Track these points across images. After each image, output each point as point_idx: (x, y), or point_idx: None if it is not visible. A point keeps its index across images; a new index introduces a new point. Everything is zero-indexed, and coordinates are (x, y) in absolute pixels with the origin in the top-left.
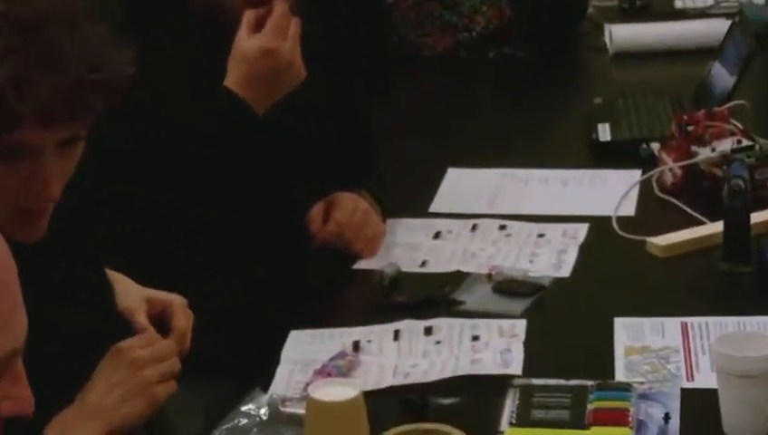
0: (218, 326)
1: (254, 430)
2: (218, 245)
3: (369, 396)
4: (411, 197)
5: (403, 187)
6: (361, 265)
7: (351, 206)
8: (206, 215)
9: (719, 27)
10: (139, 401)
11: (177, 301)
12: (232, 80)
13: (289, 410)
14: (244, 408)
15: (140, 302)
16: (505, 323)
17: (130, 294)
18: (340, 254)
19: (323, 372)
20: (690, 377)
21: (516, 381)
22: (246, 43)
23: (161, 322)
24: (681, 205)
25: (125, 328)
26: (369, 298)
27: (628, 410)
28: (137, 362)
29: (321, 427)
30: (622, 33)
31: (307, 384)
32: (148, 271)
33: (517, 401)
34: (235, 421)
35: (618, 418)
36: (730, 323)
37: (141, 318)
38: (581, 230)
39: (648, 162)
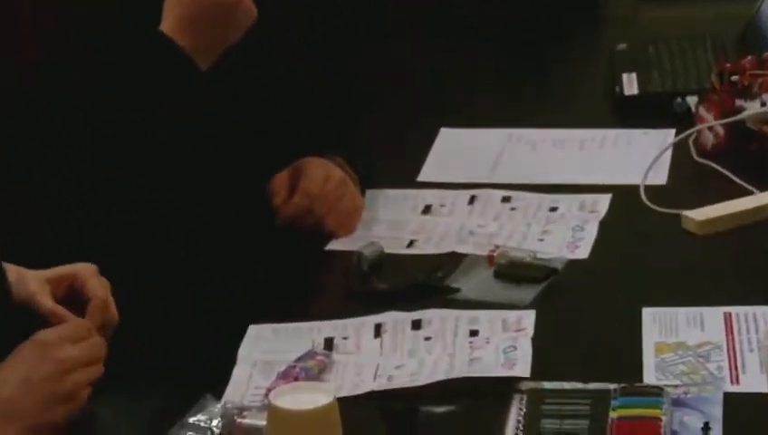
0: (161, 322)
1: None
2: (156, 222)
3: (345, 404)
4: (396, 163)
5: (385, 151)
6: (335, 245)
7: (323, 174)
8: (146, 187)
9: None
10: (62, 408)
11: (83, 269)
12: (167, 24)
13: (247, 421)
14: (192, 419)
15: (41, 284)
16: (510, 314)
17: (27, 280)
18: (310, 232)
19: (289, 376)
20: (735, 379)
21: (523, 386)
22: None
23: (75, 298)
24: (723, 171)
25: (27, 319)
26: (344, 286)
27: (660, 420)
28: (66, 363)
29: None
30: None
31: (269, 390)
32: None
33: (524, 410)
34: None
35: (647, 429)
36: None
37: (46, 300)
38: (603, 202)
39: (683, 120)
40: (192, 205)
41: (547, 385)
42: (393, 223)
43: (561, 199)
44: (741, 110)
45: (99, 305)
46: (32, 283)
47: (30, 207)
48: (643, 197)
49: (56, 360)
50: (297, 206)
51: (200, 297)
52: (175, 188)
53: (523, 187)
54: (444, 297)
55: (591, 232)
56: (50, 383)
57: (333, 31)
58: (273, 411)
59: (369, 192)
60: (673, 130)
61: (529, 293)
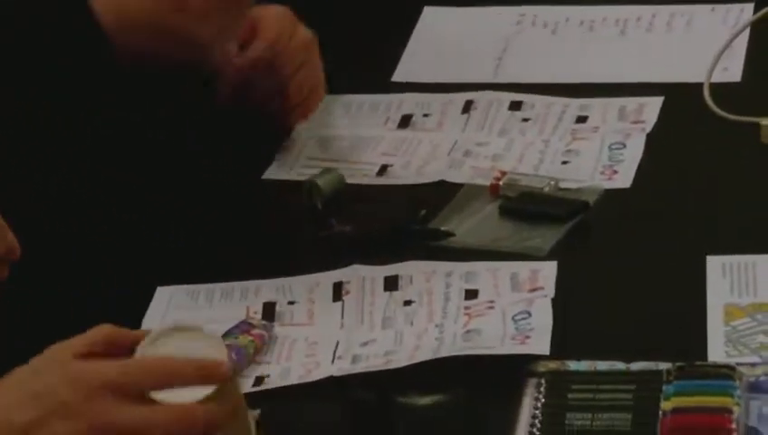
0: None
1: None
2: None
3: (293, 396)
4: (361, 58)
5: (346, 39)
6: (275, 172)
7: (288, 25)
8: None
9: None
10: None
11: None
12: None
13: None
14: None
15: None
16: (522, 267)
17: None
18: (250, 113)
19: None
20: None
21: (542, 367)
22: None
23: None
24: None
25: None
26: (290, 229)
27: (731, 412)
28: None
29: None
30: None
31: None
32: None
33: (543, 399)
34: None
35: (712, 424)
36: None
37: None
38: (651, 108)
39: None
40: None
41: (574, 366)
42: (358, 141)
43: (593, 105)
44: None
45: None
46: None
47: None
48: (708, 100)
49: None
50: (255, 59)
51: (83, 248)
52: None
53: (540, 88)
54: (429, 244)
55: (636, 151)
56: None
57: None
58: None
59: (324, 99)
60: (751, 5)
61: (548, 237)
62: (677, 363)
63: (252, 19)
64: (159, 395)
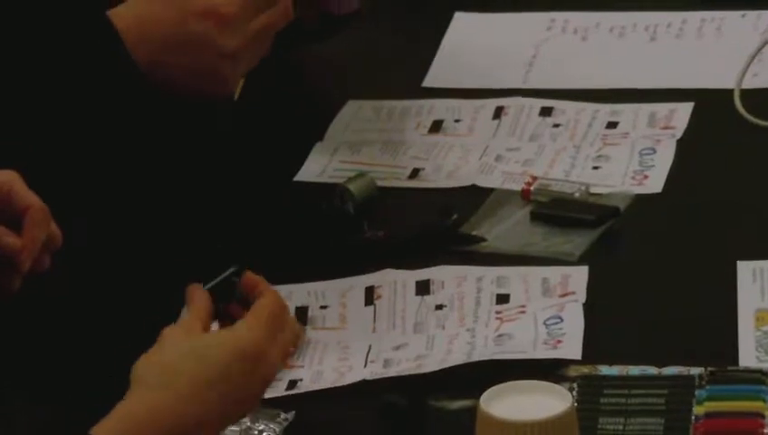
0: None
1: None
2: None
3: (325, 400)
4: (393, 64)
5: (377, 46)
6: (308, 174)
7: None
8: None
9: None
10: None
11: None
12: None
13: None
14: None
15: None
16: (553, 272)
17: None
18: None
19: None
20: None
21: (573, 371)
22: None
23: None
24: None
25: None
26: (322, 233)
27: (764, 416)
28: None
29: None
30: None
31: None
32: None
33: (575, 404)
34: None
35: (746, 428)
36: None
37: None
38: (682, 114)
39: None
40: None
41: (606, 371)
42: (390, 146)
43: (624, 111)
44: None
45: (40, 214)
46: None
47: None
48: (738, 105)
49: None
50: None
51: (118, 252)
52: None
53: (570, 94)
54: (461, 249)
55: (666, 156)
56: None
57: None
58: (484, 420)
59: (353, 103)
60: None
61: (579, 242)
62: (709, 368)
63: None
64: (495, 409)
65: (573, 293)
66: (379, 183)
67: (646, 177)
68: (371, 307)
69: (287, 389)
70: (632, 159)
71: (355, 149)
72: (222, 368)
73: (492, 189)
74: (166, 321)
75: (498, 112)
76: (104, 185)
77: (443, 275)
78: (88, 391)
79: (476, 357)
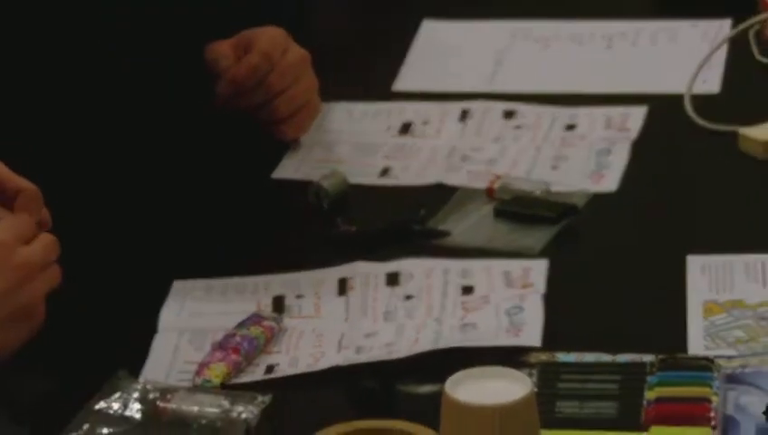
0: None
1: None
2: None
3: (301, 384)
4: (364, 67)
5: (349, 51)
6: (285, 172)
7: (281, 42)
8: None
9: None
10: (24, 327)
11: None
12: None
13: (172, 406)
14: (99, 405)
15: None
16: (515, 265)
17: None
18: (249, 118)
19: (227, 347)
20: None
21: (533, 358)
22: None
23: None
24: None
25: None
26: (297, 228)
27: (710, 401)
28: (25, 269)
29: None
30: None
31: (202, 366)
32: None
33: (535, 389)
34: (85, 428)
35: (693, 413)
36: None
37: None
38: (636, 117)
39: (742, 7)
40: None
41: (563, 358)
42: (361, 146)
43: (582, 114)
44: None
45: (33, 195)
46: None
47: None
48: (689, 109)
49: (14, 264)
50: (252, 67)
51: (102, 243)
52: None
53: (532, 97)
54: (428, 243)
55: (621, 157)
56: (12, 296)
57: None
58: (449, 404)
59: (328, 106)
60: (728, 22)
61: (539, 237)
62: (660, 356)
63: (247, 36)
64: (459, 393)
65: (533, 284)
66: (351, 180)
67: (602, 176)
68: (344, 297)
69: (265, 373)
70: (589, 160)
71: (329, 149)
72: None
73: (458, 187)
74: (152, 306)
75: (464, 115)
76: (90, 183)
77: (411, 267)
78: (81, 368)
79: (443, 344)
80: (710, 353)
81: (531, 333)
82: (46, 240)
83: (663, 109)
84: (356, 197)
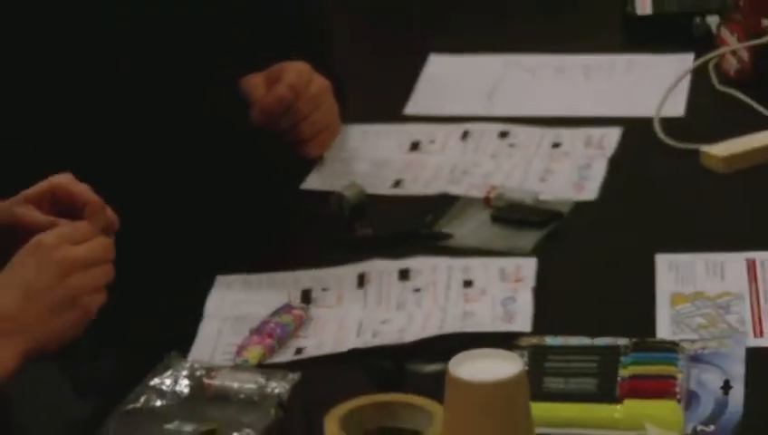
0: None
1: (170, 411)
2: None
3: (325, 363)
4: (379, 94)
5: (367, 80)
6: (312, 183)
7: (306, 74)
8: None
9: None
10: (69, 317)
11: (59, 178)
12: None
13: (217, 382)
14: (154, 381)
15: (22, 205)
16: (509, 262)
17: (6, 207)
18: (283, 141)
19: (263, 332)
20: (759, 333)
21: (524, 341)
22: None
23: (63, 210)
24: (748, 100)
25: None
26: (322, 231)
27: (675, 378)
28: (64, 264)
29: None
30: None
31: (241, 348)
32: None
33: (526, 367)
34: (141, 401)
35: (661, 388)
36: None
37: (35, 214)
38: (612, 137)
39: (703, 43)
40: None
41: (550, 341)
42: (376, 161)
43: (565, 134)
44: None
45: (97, 207)
46: (12, 207)
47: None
48: (657, 130)
49: (55, 260)
50: (279, 97)
51: (156, 243)
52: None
53: (523, 120)
54: (434, 244)
55: (599, 171)
56: (51, 290)
57: None
58: (452, 381)
59: (349, 127)
60: (691, 55)
61: (530, 239)
62: (633, 339)
63: (276, 70)
64: (461, 372)
65: (525, 279)
66: (368, 191)
67: (583, 187)
68: (362, 290)
69: (295, 354)
70: (572, 173)
71: (348, 164)
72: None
73: (459, 197)
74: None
75: (465, 135)
76: (120, 186)
77: (420, 264)
78: (139, 350)
79: (447, 330)
80: (676, 338)
81: (522, 321)
82: (97, 242)
83: (635, 130)
84: (372, 205)
